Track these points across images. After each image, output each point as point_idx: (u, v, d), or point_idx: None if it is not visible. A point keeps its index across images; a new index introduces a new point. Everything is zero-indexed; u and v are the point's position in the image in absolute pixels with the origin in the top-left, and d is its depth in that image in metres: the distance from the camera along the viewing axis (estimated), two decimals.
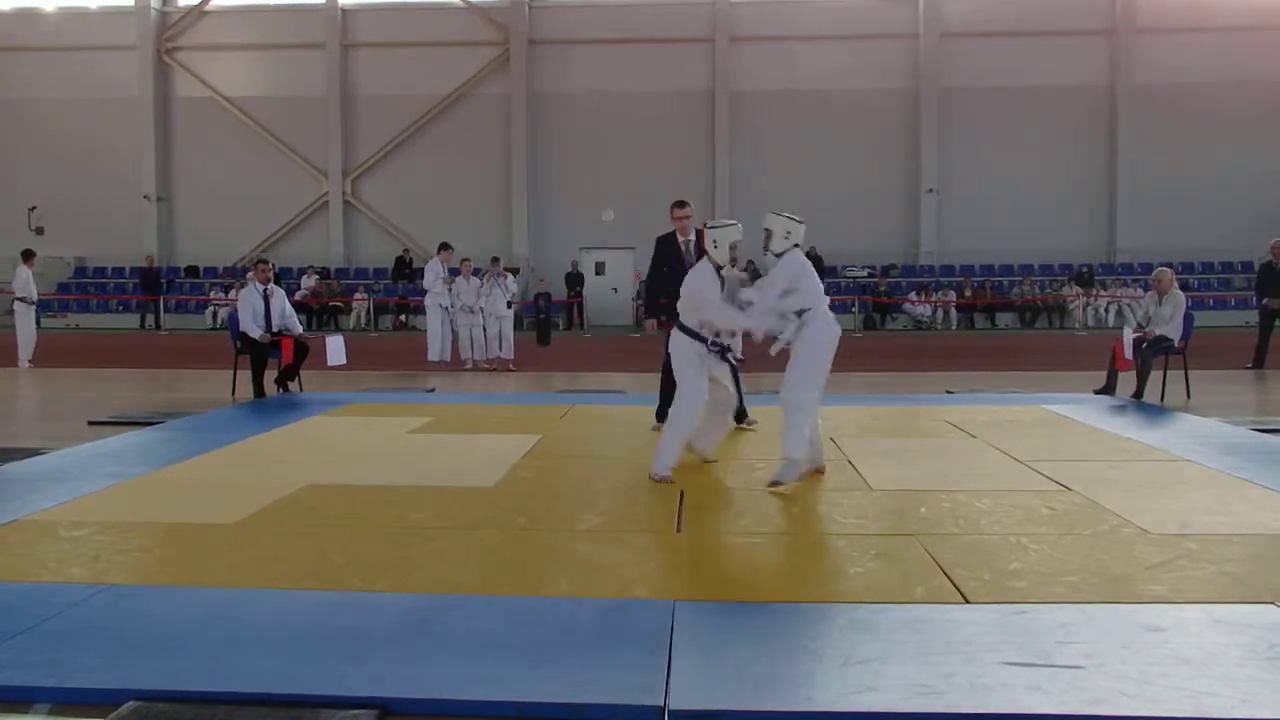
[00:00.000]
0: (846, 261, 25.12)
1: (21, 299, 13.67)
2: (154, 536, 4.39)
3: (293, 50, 26.33)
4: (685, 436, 5.67)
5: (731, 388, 5.85)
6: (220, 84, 26.58)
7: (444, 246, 13.56)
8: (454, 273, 13.44)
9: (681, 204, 7.29)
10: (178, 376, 12.77)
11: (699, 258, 6.82)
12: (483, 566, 3.97)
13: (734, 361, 5.77)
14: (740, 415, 7.20)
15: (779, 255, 5.48)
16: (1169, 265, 10.26)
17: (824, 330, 5.38)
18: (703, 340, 5.61)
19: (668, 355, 6.95)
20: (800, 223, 5.51)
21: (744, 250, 5.75)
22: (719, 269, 5.61)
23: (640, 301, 24.70)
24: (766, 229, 5.52)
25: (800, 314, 5.38)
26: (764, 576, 3.86)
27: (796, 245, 5.48)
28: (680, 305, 5.71)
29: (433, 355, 13.23)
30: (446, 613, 3.36)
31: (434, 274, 13.35)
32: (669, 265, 7.17)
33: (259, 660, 2.96)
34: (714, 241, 5.62)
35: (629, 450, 6.50)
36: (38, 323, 14.34)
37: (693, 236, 7.14)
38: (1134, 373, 9.22)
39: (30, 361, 13.35)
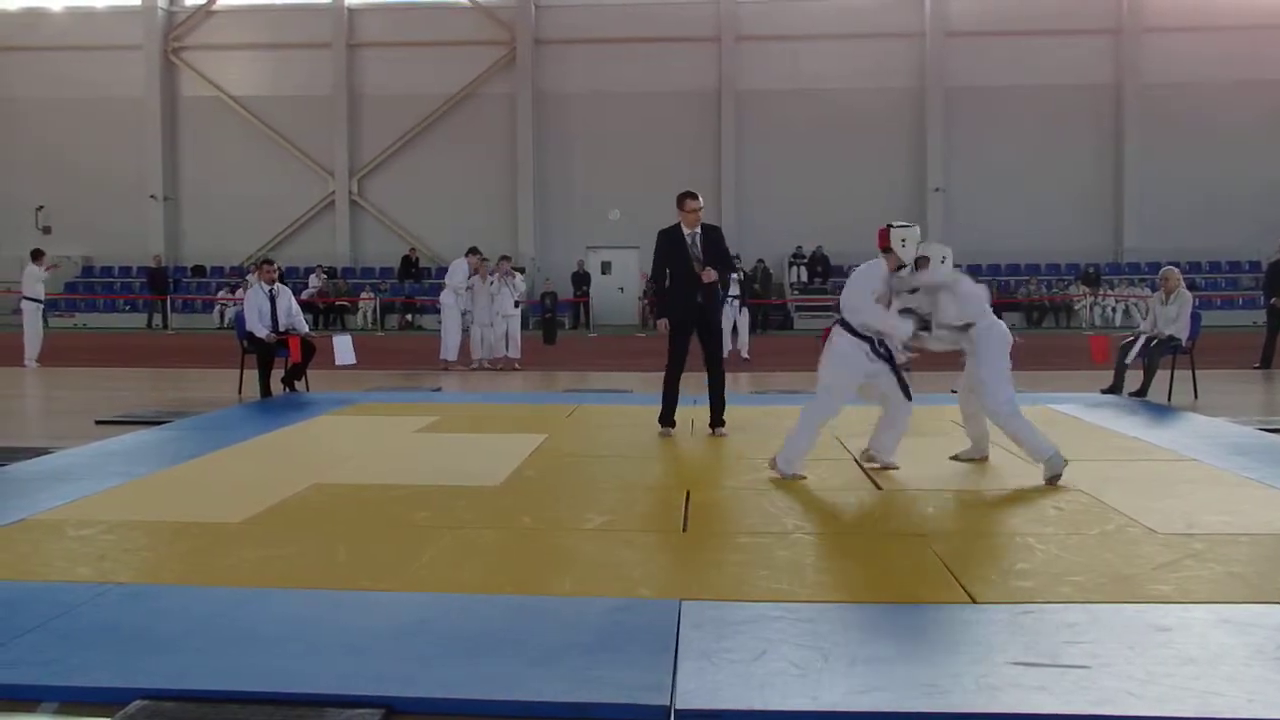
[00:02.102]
0: (852, 261, 24.81)
1: (29, 298, 13.69)
2: (161, 535, 4.40)
3: (299, 50, 26.40)
4: (815, 434, 5.61)
5: (898, 390, 5.69)
6: (227, 83, 26.65)
7: (472, 251, 13.62)
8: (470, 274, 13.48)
9: (693, 195, 7.17)
10: (185, 376, 12.81)
11: (705, 251, 6.84)
12: (488, 566, 3.97)
13: (898, 363, 5.68)
14: (717, 421, 7.13)
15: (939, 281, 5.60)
16: (1176, 265, 10.23)
17: (997, 337, 5.53)
18: (868, 340, 5.56)
19: (670, 359, 6.95)
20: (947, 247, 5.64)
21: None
22: (899, 268, 5.58)
23: (645, 300, 24.79)
24: (924, 255, 5.58)
25: (966, 327, 5.49)
26: (770, 576, 3.85)
27: (956, 266, 5.63)
28: (843, 304, 5.66)
29: (446, 355, 13.25)
30: (452, 612, 3.36)
31: (461, 274, 13.37)
32: (674, 260, 7.08)
33: (265, 659, 2.96)
34: (903, 240, 5.56)
35: (635, 450, 6.50)
36: (45, 322, 14.38)
37: (698, 229, 7.08)
38: (1140, 372, 9.21)
39: (37, 361, 13.39)
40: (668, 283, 7.15)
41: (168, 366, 14.02)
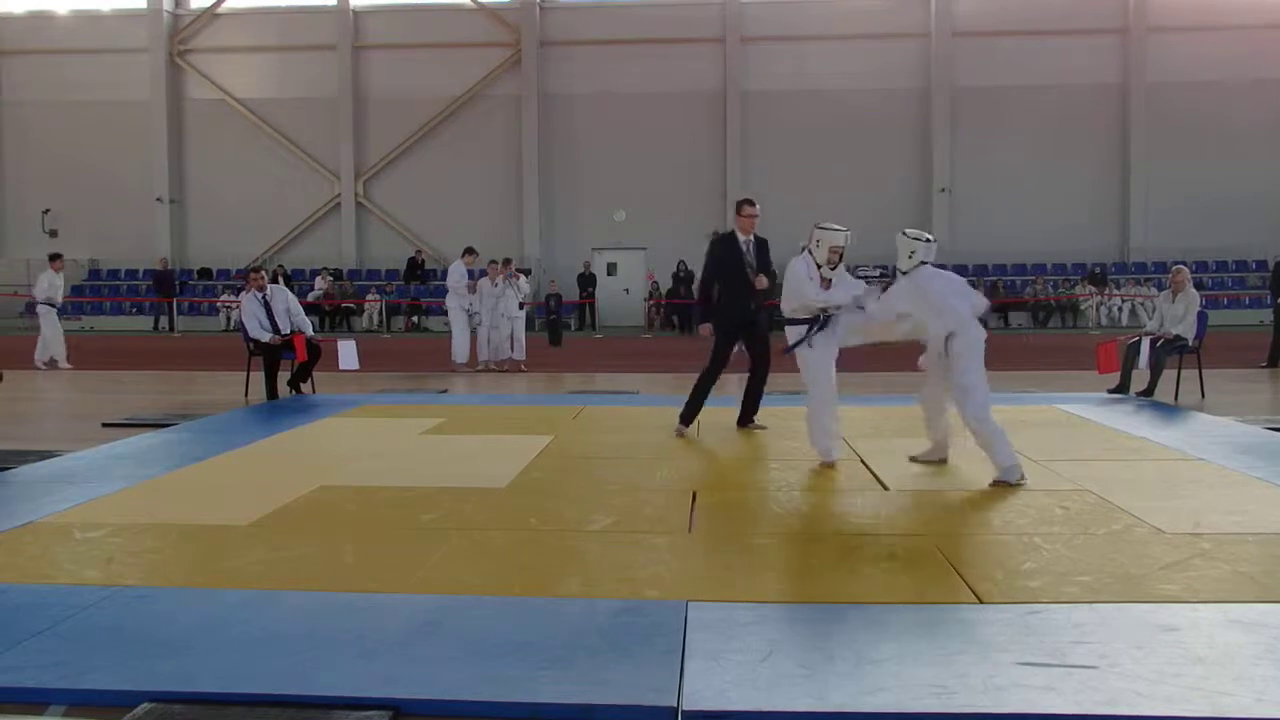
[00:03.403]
0: (859, 261, 24.93)
1: (44, 302, 13.66)
2: (168, 538, 4.41)
3: (305, 52, 26.45)
4: (825, 421, 5.92)
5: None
6: (232, 86, 26.71)
7: (468, 251, 13.67)
8: (478, 274, 13.49)
9: (750, 202, 7.20)
10: (191, 378, 12.83)
11: (759, 258, 7.00)
12: (495, 567, 3.97)
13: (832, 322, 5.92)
14: (747, 417, 7.21)
15: (905, 274, 5.71)
16: (1183, 264, 10.21)
17: (975, 344, 5.55)
18: (807, 322, 5.86)
19: (711, 363, 7.07)
20: (922, 240, 5.65)
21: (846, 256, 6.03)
22: (819, 267, 5.89)
23: (651, 301, 24.82)
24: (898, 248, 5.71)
25: (948, 337, 5.54)
26: (777, 577, 3.85)
27: (924, 263, 5.64)
28: (783, 303, 6.02)
29: (457, 357, 13.27)
30: (459, 614, 3.37)
31: (458, 276, 13.41)
32: (727, 266, 7.06)
33: (272, 661, 2.97)
34: (817, 241, 5.92)
35: (641, 451, 6.50)
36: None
37: (751, 237, 7.12)
38: (1148, 371, 9.19)
39: (45, 364, 13.38)
40: (717, 288, 7.14)
41: (174, 369, 14.04)
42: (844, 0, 25.55)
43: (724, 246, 7.14)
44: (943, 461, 5.96)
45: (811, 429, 5.98)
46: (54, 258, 14.23)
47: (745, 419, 7.30)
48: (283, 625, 3.28)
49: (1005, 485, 5.28)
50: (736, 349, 7.43)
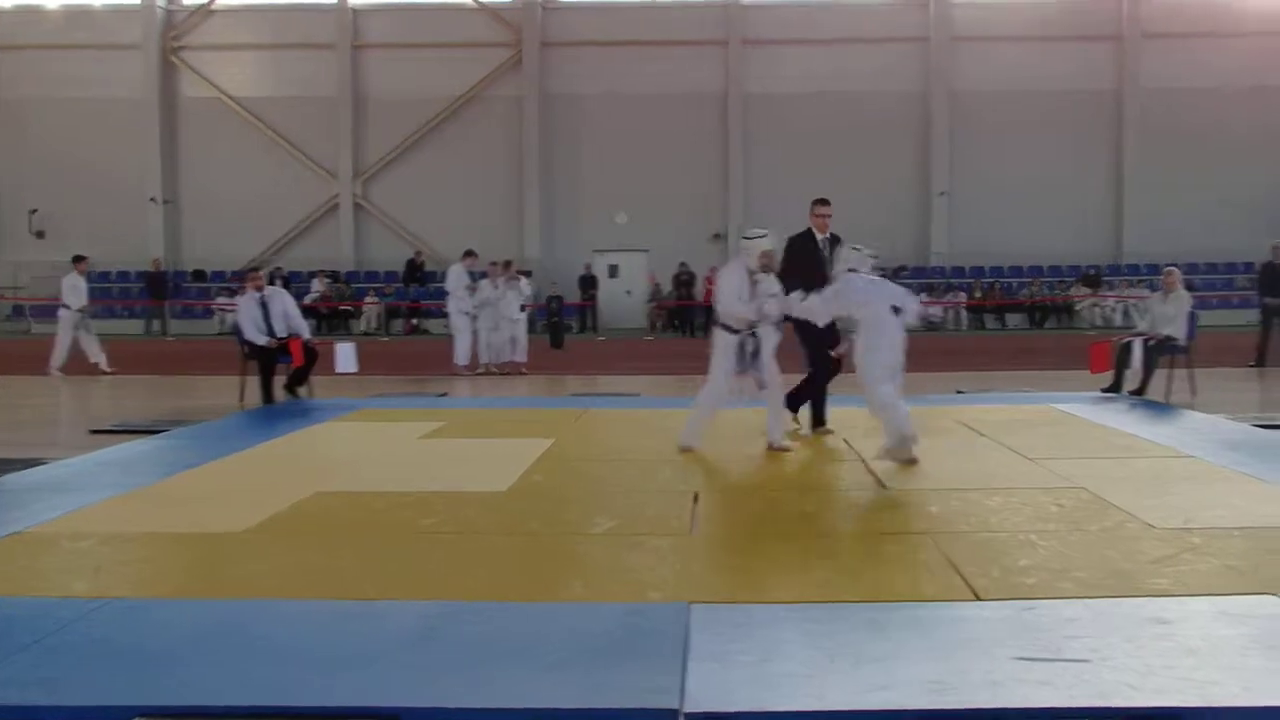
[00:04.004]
0: None
1: (67, 306, 13.27)
2: (159, 547, 4.34)
3: (302, 50, 26.23)
4: (703, 416, 6.50)
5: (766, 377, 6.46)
6: (228, 84, 26.47)
7: (468, 253, 13.66)
8: (479, 276, 13.46)
9: (823, 201, 7.24)
10: (184, 383, 12.64)
11: (833, 255, 7.04)
12: (495, 572, 3.97)
13: (760, 348, 6.40)
14: (818, 420, 7.28)
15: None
16: (1174, 266, 10.31)
17: (864, 345, 6.08)
18: (735, 332, 6.32)
19: (813, 370, 7.24)
20: (860, 250, 6.31)
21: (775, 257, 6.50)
22: (751, 273, 6.30)
23: (653, 304, 24.82)
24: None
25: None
26: (777, 577, 3.89)
27: (852, 270, 6.22)
28: (716, 306, 6.54)
29: (459, 361, 13.20)
30: (459, 619, 3.35)
31: (457, 279, 13.40)
32: (804, 263, 7.00)
33: (268, 672, 2.92)
34: (746, 251, 6.37)
35: (643, 453, 6.53)
36: (87, 329, 13.63)
37: (828, 235, 7.19)
38: (1140, 370, 9.28)
39: (60, 370, 13.05)
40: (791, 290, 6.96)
41: (168, 373, 13.76)
42: (845, 4, 25.61)
43: (801, 247, 7.13)
44: (913, 463, 5.92)
45: (692, 421, 6.51)
46: (78, 259, 13.86)
47: (817, 422, 7.25)
48: (278, 634, 3.22)
49: (889, 456, 5.87)
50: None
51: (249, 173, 26.21)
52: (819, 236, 7.17)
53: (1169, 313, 9.51)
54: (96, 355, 13.32)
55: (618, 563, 4.05)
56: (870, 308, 6.09)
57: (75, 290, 13.46)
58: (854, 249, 6.37)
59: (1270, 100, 24.86)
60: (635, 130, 25.46)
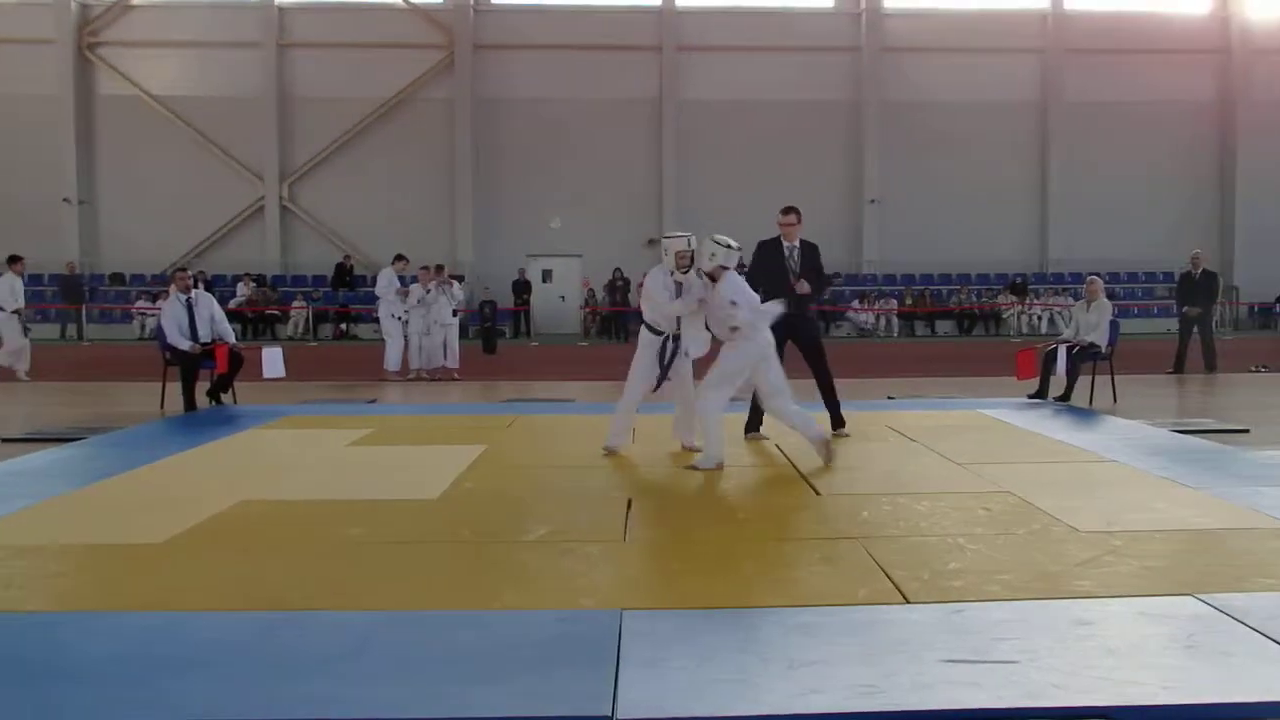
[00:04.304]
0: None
1: (1, 308, 12.80)
2: (74, 560, 4.19)
3: (226, 49, 25.61)
4: (625, 415, 6.67)
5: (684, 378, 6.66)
6: (148, 82, 25.66)
7: (399, 257, 13.53)
8: (410, 281, 13.32)
9: (785, 210, 7.44)
10: (102, 389, 12.23)
11: (807, 262, 7.32)
12: (427, 581, 3.92)
13: (679, 351, 6.59)
14: (836, 422, 7.41)
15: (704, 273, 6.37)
16: (1097, 275, 10.65)
17: (738, 342, 6.12)
18: (659, 333, 6.50)
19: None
20: (723, 245, 6.22)
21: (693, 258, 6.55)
22: (671, 273, 6.48)
23: (586, 309, 24.81)
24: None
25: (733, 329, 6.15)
26: (711, 583, 3.89)
27: (723, 268, 6.22)
28: (642, 306, 6.73)
29: (389, 366, 13.05)
30: (389, 630, 3.30)
31: (387, 283, 13.22)
32: (768, 269, 7.30)
33: (192, 686, 2.85)
34: (665, 250, 6.56)
35: (577, 459, 6.49)
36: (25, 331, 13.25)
37: (797, 242, 7.35)
38: (1065, 377, 9.54)
39: (29, 374, 12.70)
40: (762, 293, 7.24)
41: (83, 380, 13.35)
42: (779, 13, 25.92)
43: (766, 252, 7.38)
44: (828, 463, 6.14)
45: (616, 421, 6.66)
46: (14, 259, 13.36)
47: (835, 424, 7.39)
48: (200, 649, 3.14)
49: (696, 469, 6.01)
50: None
51: (170, 173, 25.47)
52: (786, 244, 7.35)
53: (1092, 320, 9.82)
54: (21, 360, 12.95)
55: (550, 570, 4.01)
56: (740, 313, 6.13)
57: (12, 291, 13.06)
58: (719, 242, 6.26)
59: (1190, 114, 25.96)
60: (569, 135, 25.43)
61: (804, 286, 7.22)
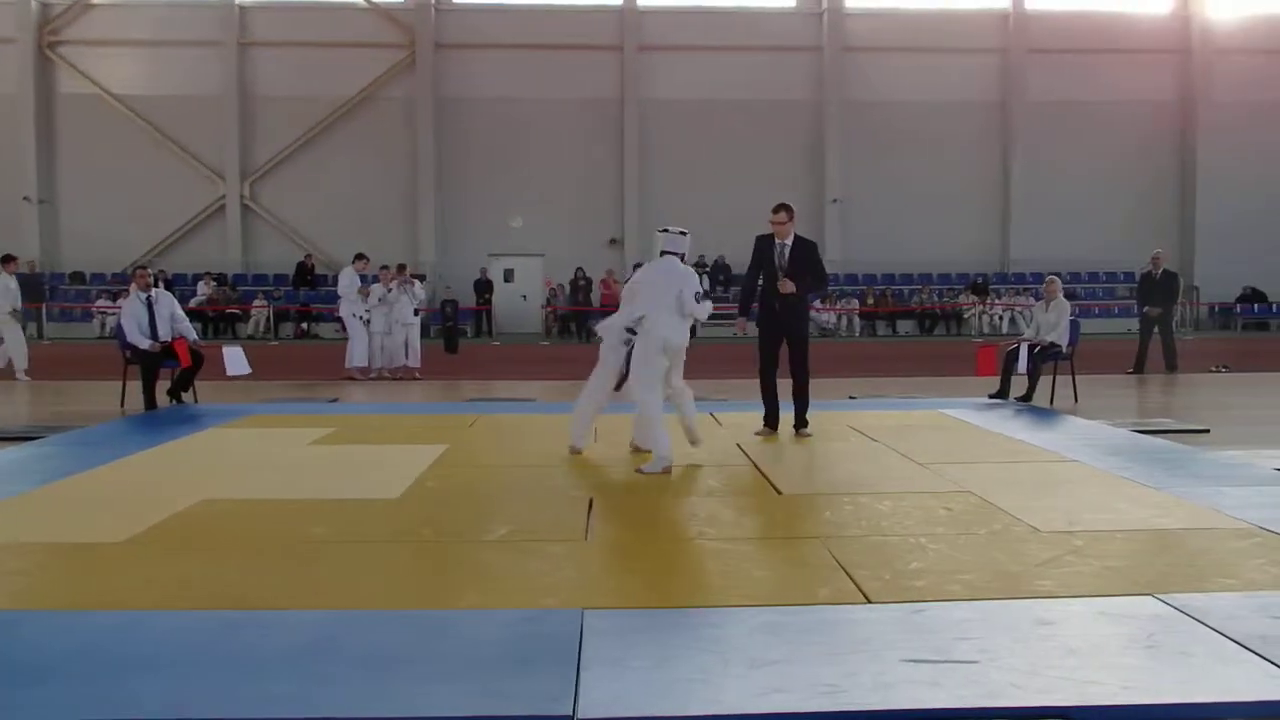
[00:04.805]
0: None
1: (10, 312, 12.65)
2: (32, 558, 4.14)
3: (187, 47, 25.36)
4: (586, 414, 6.59)
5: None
6: (108, 81, 25.36)
7: (359, 256, 13.44)
8: (371, 280, 13.22)
9: (776, 209, 7.48)
10: (61, 388, 12.05)
11: (792, 263, 7.36)
12: (388, 580, 3.89)
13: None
14: (799, 423, 7.47)
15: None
16: (1058, 275, 10.78)
17: (650, 341, 6.11)
18: (631, 333, 6.39)
19: (760, 362, 7.48)
20: (666, 232, 6.37)
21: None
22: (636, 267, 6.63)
23: (549, 308, 24.73)
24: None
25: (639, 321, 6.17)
26: (672, 583, 3.88)
27: (664, 253, 6.28)
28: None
29: (350, 363, 12.93)
30: (350, 629, 3.28)
31: (348, 282, 13.12)
32: (758, 265, 7.48)
33: (150, 686, 2.82)
34: (672, 246, 6.36)
35: (538, 459, 6.47)
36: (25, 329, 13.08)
37: (789, 240, 7.40)
38: (1026, 377, 9.65)
39: (28, 374, 12.49)
40: (758, 286, 7.54)
41: (43, 379, 13.14)
42: (740, 12, 26.03)
43: (761, 247, 7.52)
44: (692, 443, 6.38)
45: (575, 419, 6.62)
46: (7, 259, 13.13)
47: (797, 424, 7.47)
48: (160, 648, 3.11)
49: (654, 473, 5.87)
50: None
51: (131, 172, 25.11)
52: (778, 241, 7.42)
53: (1051, 320, 9.94)
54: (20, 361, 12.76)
55: (512, 569, 3.99)
56: (648, 305, 6.15)
57: (6, 291, 12.84)
58: (663, 230, 6.38)
59: (1150, 114, 26.43)
60: (531, 134, 25.37)
61: (788, 286, 7.27)
